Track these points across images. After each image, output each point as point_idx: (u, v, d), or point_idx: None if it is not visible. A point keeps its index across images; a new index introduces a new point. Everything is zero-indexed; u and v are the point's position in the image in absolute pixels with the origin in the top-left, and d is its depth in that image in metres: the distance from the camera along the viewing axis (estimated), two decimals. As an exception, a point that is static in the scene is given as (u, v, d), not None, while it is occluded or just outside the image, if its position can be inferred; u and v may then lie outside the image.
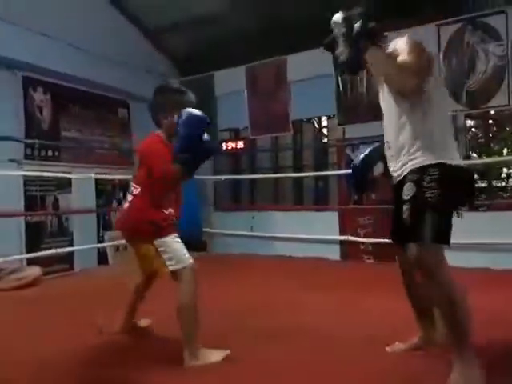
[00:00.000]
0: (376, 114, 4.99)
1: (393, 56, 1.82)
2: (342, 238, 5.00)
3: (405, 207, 1.78)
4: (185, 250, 2.12)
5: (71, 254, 5.08)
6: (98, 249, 5.43)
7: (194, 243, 5.52)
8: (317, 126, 7.43)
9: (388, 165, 1.98)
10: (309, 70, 5.23)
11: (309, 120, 6.78)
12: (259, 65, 5.74)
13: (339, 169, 5.25)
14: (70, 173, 5.07)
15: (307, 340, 2.29)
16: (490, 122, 7.18)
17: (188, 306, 2.03)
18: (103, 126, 5.85)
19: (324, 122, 7.38)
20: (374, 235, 4.78)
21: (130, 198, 2.22)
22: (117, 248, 5.60)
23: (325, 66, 5.17)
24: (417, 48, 1.80)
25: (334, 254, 5.08)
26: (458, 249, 4.28)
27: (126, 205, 2.25)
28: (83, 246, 5.11)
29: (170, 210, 2.17)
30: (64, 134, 5.32)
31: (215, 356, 2.03)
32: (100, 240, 5.54)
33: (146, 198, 2.13)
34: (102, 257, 5.45)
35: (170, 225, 2.14)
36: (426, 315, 2.04)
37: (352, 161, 2.32)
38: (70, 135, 5.40)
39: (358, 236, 4.93)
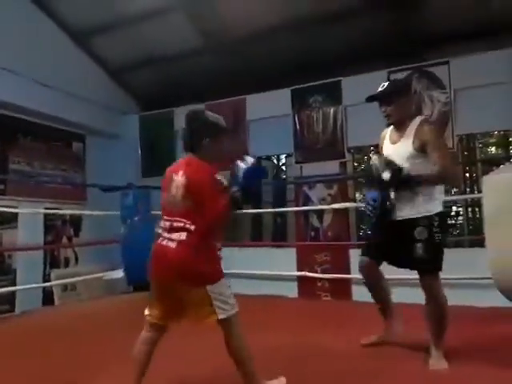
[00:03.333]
0: (330, 153, 5.19)
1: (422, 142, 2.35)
2: (298, 274, 4.98)
3: (419, 245, 2.34)
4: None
5: (13, 294, 4.73)
6: (44, 288, 5.09)
7: (145, 279, 5.32)
8: (276, 162, 7.57)
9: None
10: (267, 109, 5.36)
11: (268, 158, 6.89)
12: (218, 103, 5.82)
13: (297, 206, 5.31)
14: (16, 207, 4.81)
15: None
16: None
17: (245, 347, 1.98)
18: (56, 160, 5.66)
19: (283, 160, 7.54)
20: (332, 272, 4.80)
21: (174, 235, 1.92)
22: (64, 287, 5.28)
23: (283, 105, 5.35)
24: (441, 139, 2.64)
25: (291, 291, 5.03)
26: (410, 285, 4.38)
27: (169, 243, 1.93)
28: (27, 285, 4.72)
29: (219, 245, 2.05)
30: (12, 167, 5.10)
31: None
32: (46, 279, 5.22)
33: (200, 235, 1.90)
34: (48, 297, 5.11)
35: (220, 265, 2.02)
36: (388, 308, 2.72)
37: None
38: (19, 168, 5.18)
39: (316, 273, 4.93)
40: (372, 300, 2.73)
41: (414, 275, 2.43)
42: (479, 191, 4.07)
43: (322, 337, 3.05)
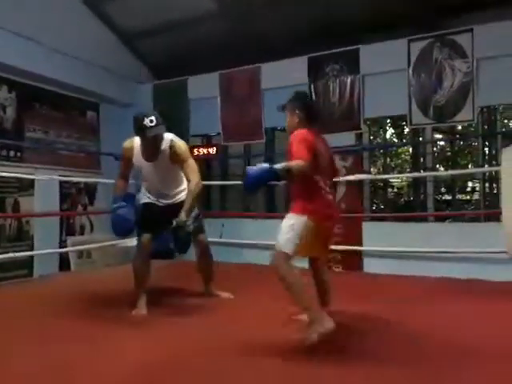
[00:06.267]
0: (346, 124, 5.09)
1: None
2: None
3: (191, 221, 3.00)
4: None
5: (31, 259, 4.86)
6: (61, 254, 5.21)
7: (160, 250, 5.36)
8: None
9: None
10: (282, 78, 5.25)
11: (283, 128, 6.79)
12: (233, 72, 5.72)
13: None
14: (32, 174, 4.87)
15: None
16: (457, 136, 7.42)
17: None
18: (70, 128, 5.68)
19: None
20: (344, 244, 4.80)
21: (328, 190, 2.51)
22: (80, 254, 5.40)
23: (299, 74, 5.23)
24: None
25: (303, 262, 5.05)
26: (425, 258, 4.37)
27: (329, 196, 2.53)
28: (44, 250, 4.83)
29: None
30: (28, 135, 5.13)
31: None
32: (63, 245, 5.33)
33: None
34: (64, 263, 5.23)
35: None
36: None
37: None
38: (35, 136, 5.22)
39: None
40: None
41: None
42: (498, 165, 3.97)
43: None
